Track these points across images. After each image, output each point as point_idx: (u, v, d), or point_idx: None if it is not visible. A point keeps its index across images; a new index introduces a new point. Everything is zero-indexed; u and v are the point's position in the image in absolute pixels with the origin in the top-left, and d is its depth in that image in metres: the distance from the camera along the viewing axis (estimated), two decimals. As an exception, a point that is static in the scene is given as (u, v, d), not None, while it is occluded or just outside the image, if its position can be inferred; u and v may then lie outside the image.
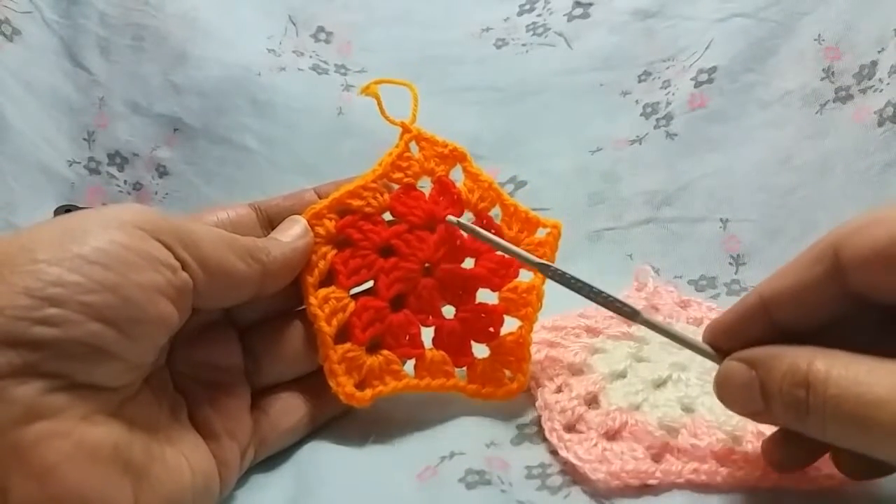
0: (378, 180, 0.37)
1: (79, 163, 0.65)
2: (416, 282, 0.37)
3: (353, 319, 0.35)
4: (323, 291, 0.35)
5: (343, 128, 0.64)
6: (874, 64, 0.57)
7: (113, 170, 0.65)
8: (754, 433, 0.33)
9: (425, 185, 0.39)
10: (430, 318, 0.37)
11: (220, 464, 0.30)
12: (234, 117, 0.64)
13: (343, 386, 0.34)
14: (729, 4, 0.63)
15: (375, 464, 0.33)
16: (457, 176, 0.39)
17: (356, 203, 0.37)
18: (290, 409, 0.34)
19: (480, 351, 0.38)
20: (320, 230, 0.36)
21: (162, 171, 0.64)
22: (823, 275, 0.26)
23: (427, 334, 0.37)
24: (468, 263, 0.39)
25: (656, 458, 0.32)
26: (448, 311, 0.38)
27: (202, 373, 0.32)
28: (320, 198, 0.37)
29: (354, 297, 0.36)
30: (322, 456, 0.34)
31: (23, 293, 0.23)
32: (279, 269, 0.33)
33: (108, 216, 0.26)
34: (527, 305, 0.38)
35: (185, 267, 0.27)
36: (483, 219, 0.39)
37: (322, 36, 0.69)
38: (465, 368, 0.37)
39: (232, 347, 0.33)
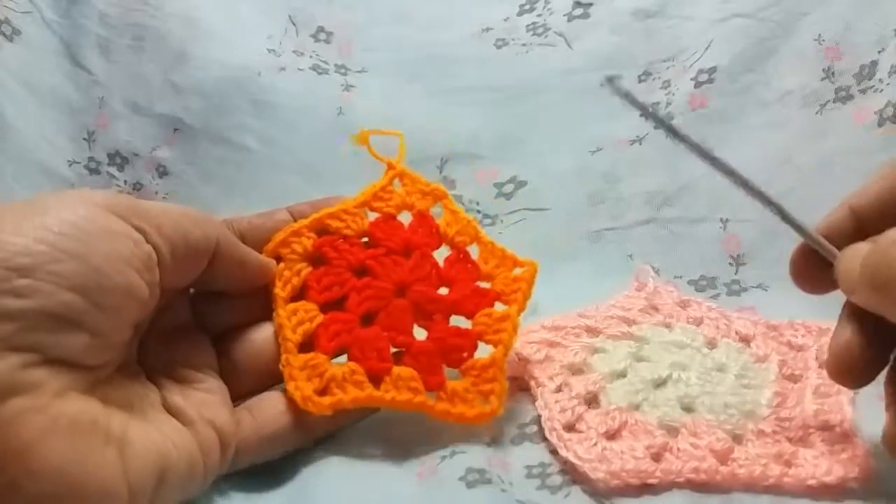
0: (359, 207, 0.38)
1: (79, 163, 0.65)
2: (388, 301, 0.37)
3: (320, 330, 0.35)
4: (293, 305, 0.35)
5: (343, 128, 0.63)
6: (874, 64, 0.57)
7: (113, 170, 0.64)
8: (754, 432, 0.33)
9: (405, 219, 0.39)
10: (401, 337, 0.36)
11: (202, 449, 0.29)
12: (234, 117, 0.64)
13: (301, 389, 0.33)
14: (729, 4, 0.63)
15: (375, 462, 0.33)
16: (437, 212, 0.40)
17: (335, 224, 0.37)
18: (272, 405, 0.33)
19: (452, 377, 0.36)
20: (297, 247, 0.36)
21: (162, 171, 0.64)
22: None
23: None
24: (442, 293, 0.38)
25: (656, 458, 0.32)
26: (420, 335, 0.37)
27: (175, 370, 0.32)
28: (294, 217, 0.37)
29: (324, 311, 0.36)
30: (321, 454, 0.34)
31: None
32: (228, 248, 0.32)
33: (67, 195, 0.27)
34: (501, 332, 0.36)
35: (146, 238, 0.28)
36: (460, 253, 0.39)
37: (322, 36, 0.69)
38: (435, 392, 0.35)
39: (204, 348, 0.33)
